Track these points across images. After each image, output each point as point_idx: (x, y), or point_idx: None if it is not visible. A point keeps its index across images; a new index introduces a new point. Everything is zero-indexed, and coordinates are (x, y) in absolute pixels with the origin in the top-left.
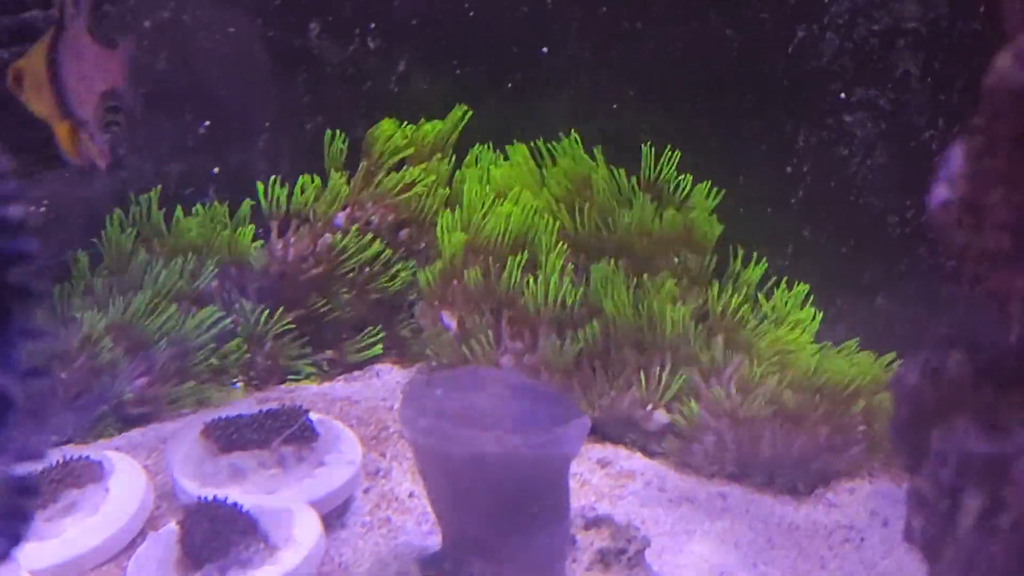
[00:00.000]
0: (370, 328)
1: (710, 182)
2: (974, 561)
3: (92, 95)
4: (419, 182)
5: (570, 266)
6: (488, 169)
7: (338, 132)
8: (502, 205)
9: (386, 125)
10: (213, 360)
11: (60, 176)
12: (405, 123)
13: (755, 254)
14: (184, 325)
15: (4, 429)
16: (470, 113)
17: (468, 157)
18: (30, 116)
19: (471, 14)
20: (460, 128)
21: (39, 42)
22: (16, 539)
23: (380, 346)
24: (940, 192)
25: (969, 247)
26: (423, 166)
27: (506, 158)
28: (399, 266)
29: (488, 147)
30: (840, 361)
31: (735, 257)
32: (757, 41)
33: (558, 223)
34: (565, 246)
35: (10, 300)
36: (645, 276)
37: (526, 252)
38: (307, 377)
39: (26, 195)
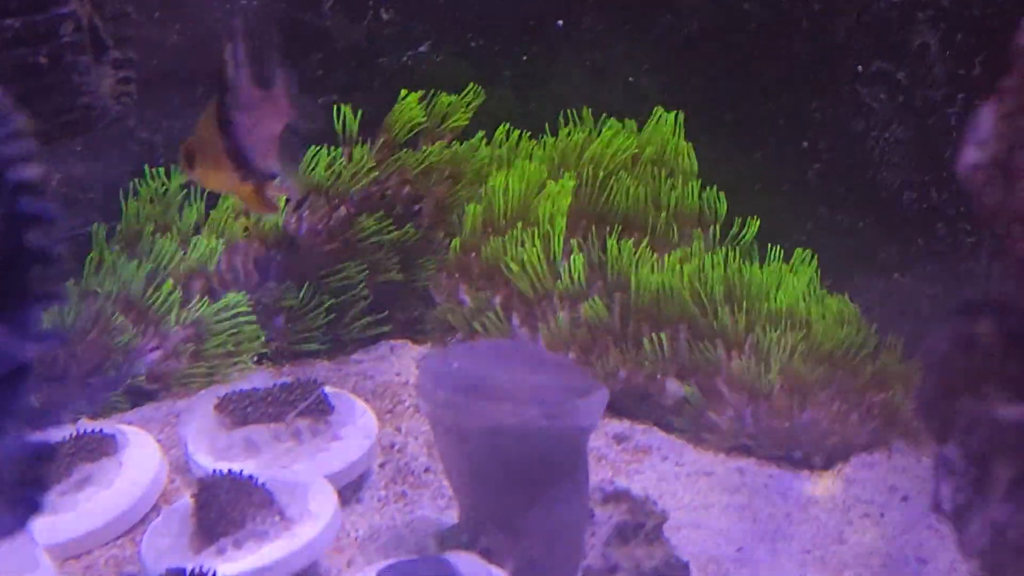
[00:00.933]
0: (381, 311)
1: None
2: (1004, 530)
3: (271, 143)
4: (433, 157)
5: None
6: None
7: (347, 107)
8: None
9: (411, 99)
10: (230, 346)
11: (74, 150)
12: (421, 95)
13: (759, 224)
14: (201, 308)
15: (19, 395)
16: (482, 97)
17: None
18: (46, 82)
19: None
20: (473, 109)
21: (205, 113)
22: (34, 507)
23: (389, 326)
24: (970, 154)
25: (1000, 209)
26: (441, 144)
27: (521, 132)
28: (413, 239)
29: (506, 127)
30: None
31: (741, 227)
32: (774, 14)
33: (567, 196)
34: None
35: (27, 263)
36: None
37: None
38: (321, 351)
39: (44, 157)
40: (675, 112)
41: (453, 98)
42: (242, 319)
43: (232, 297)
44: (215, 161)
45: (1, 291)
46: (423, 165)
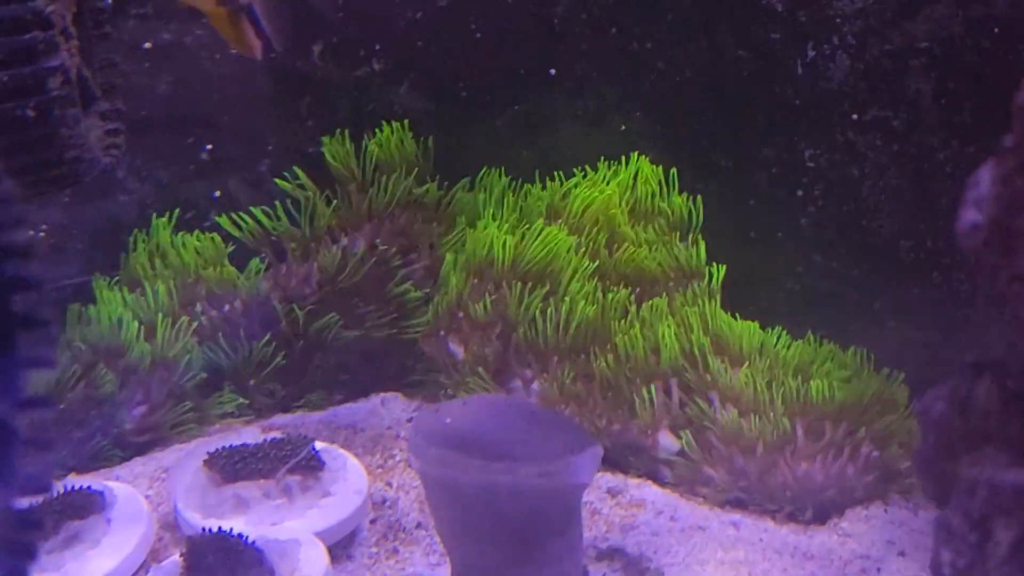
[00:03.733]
0: (372, 368)
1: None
2: None
3: None
4: (413, 199)
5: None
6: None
7: (335, 155)
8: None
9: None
10: (203, 374)
11: (61, 200)
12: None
13: (752, 272)
14: (174, 349)
15: (6, 461)
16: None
17: (478, 181)
18: (34, 136)
19: (477, 36)
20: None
21: None
22: (21, 575)
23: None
24: (968, 215)
25: (999, 270)
26: (413, 184)
27: (513, 179)
28: (403, 289)
29: (499, 172)
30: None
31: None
32: (768, 61)
33: (577, 252)
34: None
35: (14, 328)
36: (653, 301)
37: (545, 282)
38: (311, 404)
39: (29, 220)
40: (664, 167)
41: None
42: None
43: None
44: None
45: None
46: (397, 210)
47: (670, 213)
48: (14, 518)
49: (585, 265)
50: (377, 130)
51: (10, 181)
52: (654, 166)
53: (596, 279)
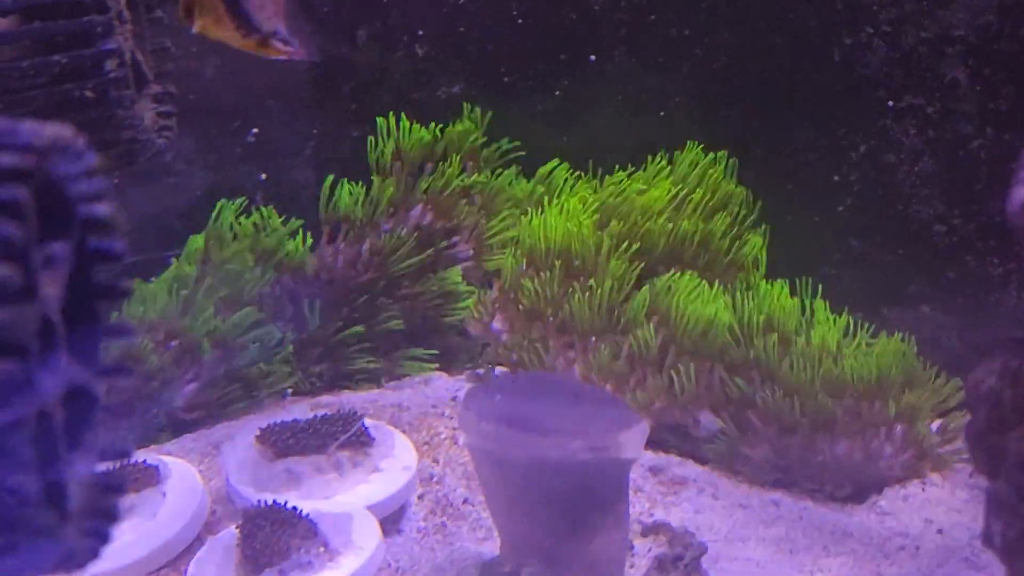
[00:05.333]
0: (420, 347)
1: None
2: None
3: (275, 5)
4: (457, 184)
5: (622, 272)
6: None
7: (382, 139)
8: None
9: (416, 130)
10: (262, 365)
11: (115, 182)
12: (435, 124)
13: (789, 256)
14: (233, 330)
15: (89, 427)
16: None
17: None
18: (92, 117)
19: (519, 21)
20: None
21: None
22: (104, 538)
23: (434, 365)
24: (1020, 193)
25: None
26: (459, 171)
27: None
28: (448, 272)
29: (564, 165)
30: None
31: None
32: (805, 48)
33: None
34: (620, 253)
35: (96, 298)
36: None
37: (576, 262)
38: (357, 383)
39: (112, 194)
40: (724, 153)
41: (468, 125)
42: (275, 339)
43: (251, 312)
44: (215, 16)
45: (72, 326)
46: (446, 189)
47: (737, 201)
48: (97, 482)
49: (621, 247)
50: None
51: (95, 155)
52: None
53: (638, 263)
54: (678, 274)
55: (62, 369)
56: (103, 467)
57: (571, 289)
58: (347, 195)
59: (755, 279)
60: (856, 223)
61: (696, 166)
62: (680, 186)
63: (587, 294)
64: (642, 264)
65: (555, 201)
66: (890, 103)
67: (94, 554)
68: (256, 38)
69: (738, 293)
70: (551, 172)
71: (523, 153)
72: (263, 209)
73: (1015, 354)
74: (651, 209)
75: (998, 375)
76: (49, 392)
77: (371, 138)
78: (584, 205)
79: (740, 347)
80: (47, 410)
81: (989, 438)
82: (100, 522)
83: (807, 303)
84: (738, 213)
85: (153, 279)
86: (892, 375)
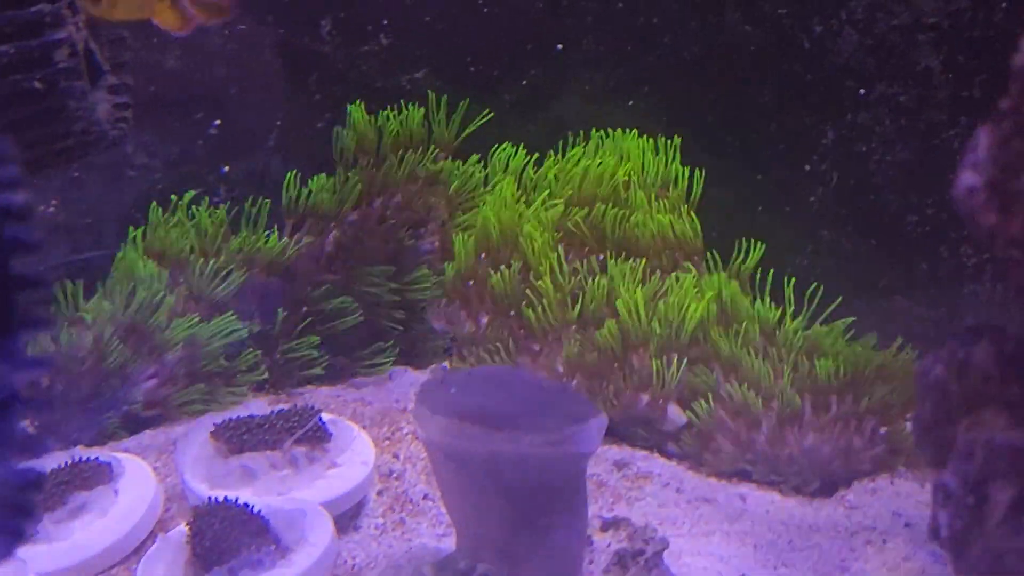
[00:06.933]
0: (382, 342)
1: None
2: (1002, 556)
3: None
4: (423, 174)
5: (583, 264)
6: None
7: (343, 130)
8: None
9: (381, 119)
10: (223, 361)
11: (71, 176)
12: (401, 114)
13: (760, 247)
14: (195, 329)
15: (6, 422)
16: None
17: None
18: (42, 108)
19: (485, 10)
20: (469, 127)
21: None
22: (19, 535)
23: (390, 363)
24: (966, 178)
25: (996, 233)
26: (416, 155)
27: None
28: (413, 265)
29: (511, 147)
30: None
31: (740, 252)
32: (775, 36)
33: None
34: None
35: (12, 289)
36: (658, 274)
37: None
38: (319, 379)
39: (27, 182)
40: (671, 137)
41: (435, 115)
42: (235, 339)
43: (226, 319)
44: None
45: None
46: (411, 181)
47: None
48: (13, 478)
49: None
50: (391, 107)
51: (9, 142)
52: (659, 138)
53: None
54: (632, 262)
55: None
56: (27, 463)
57: (529, 284)
58: (313, 187)
59: (723, 271)
60: (828, 213)
61: (650, 152)
62: (636, 174)
63: (547, 292)
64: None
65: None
66: (862, 91)
67: (8, 551)
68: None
69: (700, 282)
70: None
71: (491, 143)
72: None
73: (962, 343)
74: (600, 178)
75: (945, 364)
76: None
77: (337, 129)
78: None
79: (702, 340)
80: None
81: (936, 428)
82: (16, 519)
83: (773, 294)
84: (694, 199)
85: (113, 273)
86: (864, 369)
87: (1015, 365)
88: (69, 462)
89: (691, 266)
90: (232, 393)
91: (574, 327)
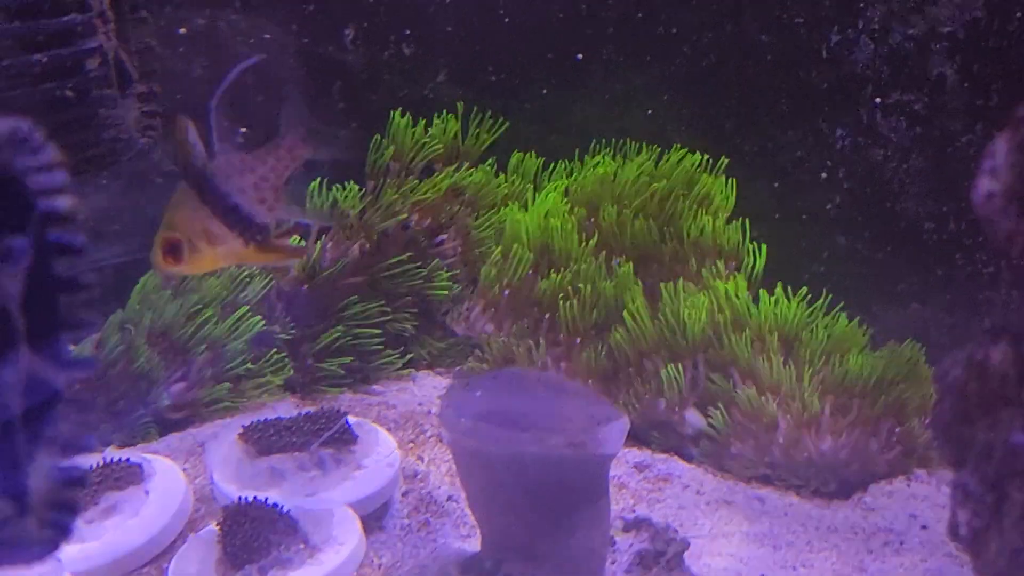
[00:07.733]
0: (404, 346)
1: (735, 186)
2: (1021, 554)
3: (276, 193)
4: (445, 183)
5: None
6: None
7: (380, 138)
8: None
9: (398, 120)
10: (250, 364)
11: (100, 183)
12: (423, 123)
13: (777, 254)
14: (220, 330)
15: (50, 421)
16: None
17: (512, 161)
18: (73, 116)
19: (506, 20)
20: (492, 136)
21: (175, 199)
22: (64, 531)
23: (413, 367)
24: (984, 184)
25: (1014, 238)
26: (449, 169)
27: (544, 162)
28: (435, 271)
29: (531, 155)
30: (870, 358)
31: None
32: (792, 46)
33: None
34: (596, 250)
35: (56, 291)
36: (674, 281)
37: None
38: (344, 383)
39: (74, 189)
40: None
41: (456, 124)
42: (264, 337)
43: (245, 315)
44: (206, 233)
45: (32, 320)
46: (437, 189)
47: (716, 195)
48: (57, 476)
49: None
50: (422, 118)
51: (55, 148)
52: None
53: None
54: (656, 269)
55: (22, 362)
56: (70, 461)
57: (560, 294)
58: (343, 195)
59: (739, 277)
60: (844, 220)
61: (678, 164)
62: (663, 182)
63: (576, 297)
64: (629, 263)
65: (536, 197)
66: (878, 100)
67: (54, 546)
68: (255, 247)
69: (720, 290)
70: (522, 164)
71: (510, 150)
72: None
73: (981, 344)
74: (623, 186)
75: (964, 366)
76: (8, 385)
77: (377, 136)
78: (564, 195)
79: (719, 345)
80: (6, 403)
81: (955, 429)
82: (60, 514)
83: (796, 301)
84: (718, 209)
85: (143, 278)
86: (884, 374)
87: None
88: (101, 463)
89: (718, 268)
90: (260, 392)
91: (596, 332)
